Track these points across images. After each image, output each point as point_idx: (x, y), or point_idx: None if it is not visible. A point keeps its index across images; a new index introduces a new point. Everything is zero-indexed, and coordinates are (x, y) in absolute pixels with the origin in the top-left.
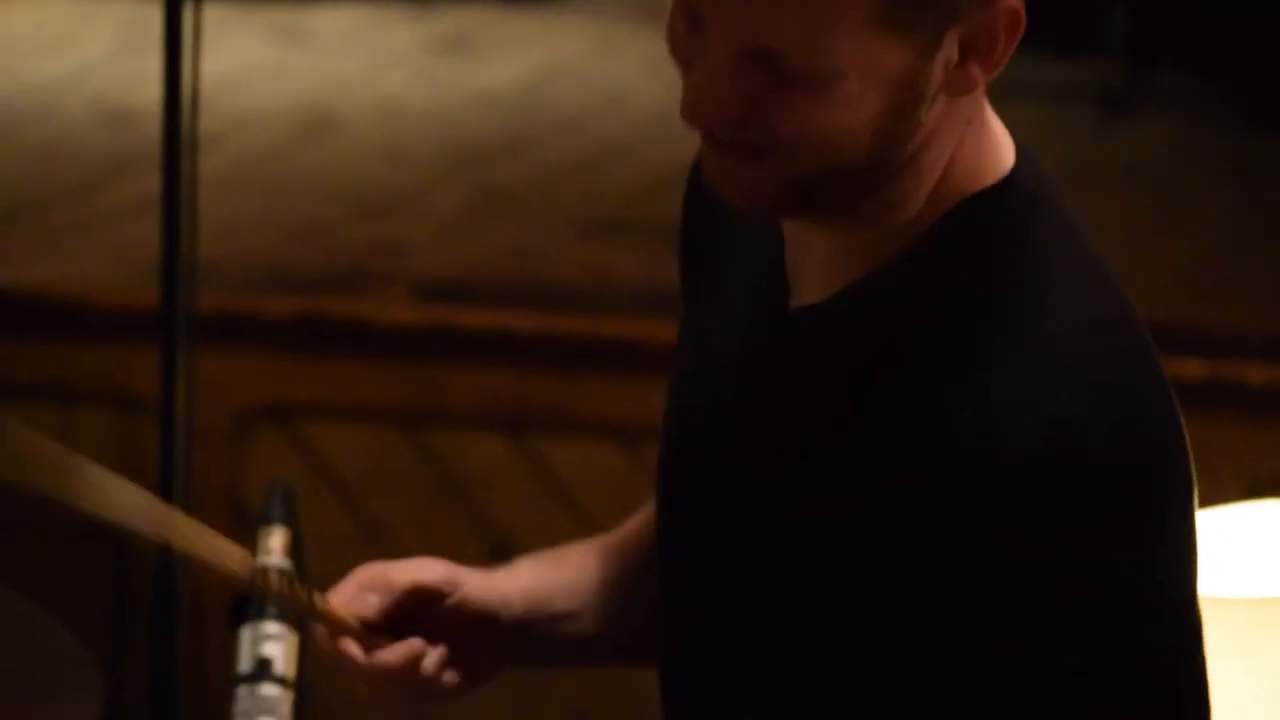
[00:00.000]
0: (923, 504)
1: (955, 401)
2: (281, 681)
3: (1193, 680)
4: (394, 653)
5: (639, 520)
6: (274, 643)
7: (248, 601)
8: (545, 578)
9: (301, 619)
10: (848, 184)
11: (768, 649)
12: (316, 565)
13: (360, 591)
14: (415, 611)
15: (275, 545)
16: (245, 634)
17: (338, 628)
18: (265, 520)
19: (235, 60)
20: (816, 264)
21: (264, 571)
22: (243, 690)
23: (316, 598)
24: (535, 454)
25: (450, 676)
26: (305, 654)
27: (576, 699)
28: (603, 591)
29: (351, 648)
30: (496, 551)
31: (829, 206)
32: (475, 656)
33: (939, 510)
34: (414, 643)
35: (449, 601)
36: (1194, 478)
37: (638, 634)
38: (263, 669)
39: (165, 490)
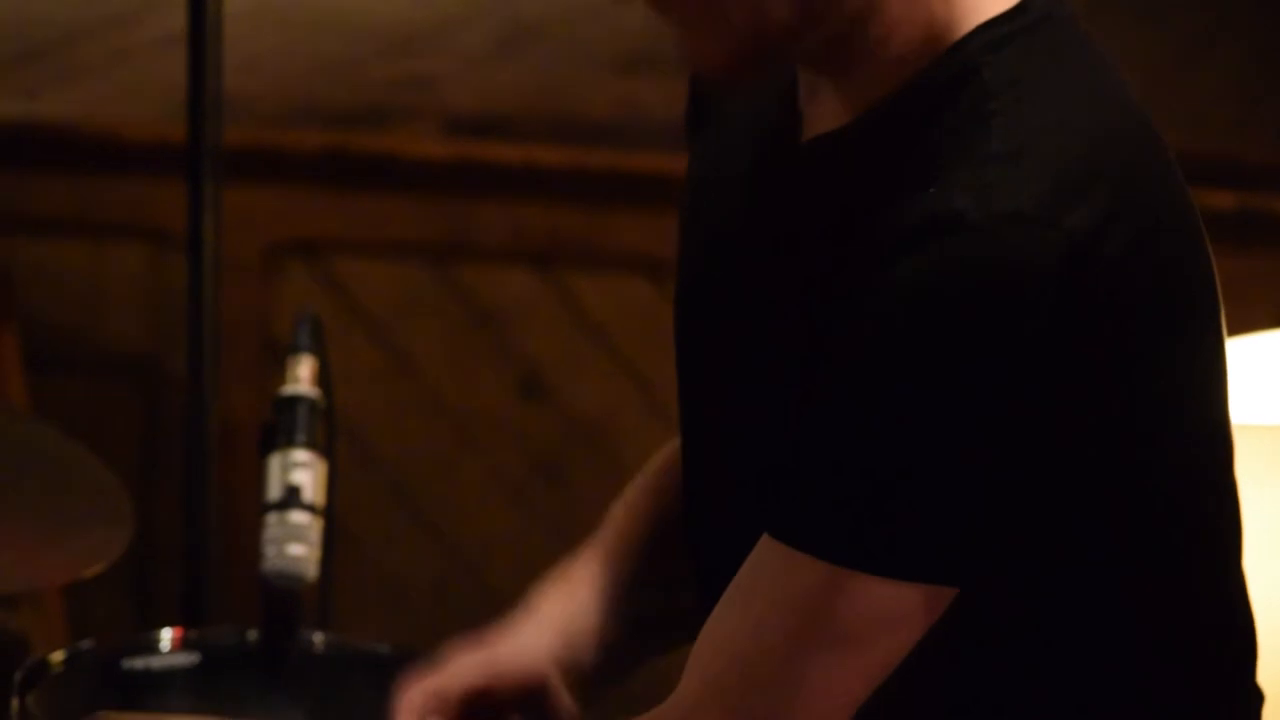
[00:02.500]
0: (930, 314)
1: (968, 217)
2: (310, 508)
3: (1219, 504)
4: None
5: (636, 504)
6: (303, 470)
7: (276, 429)
8: (571, 624)
9: (330, 447)
10: (793, 38)
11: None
12: (347, 399)
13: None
14: (476, 707)
15: (304, 374)
16: (274, 462)
17: None
18: (293, 349)
19: None
20: (828, 99)
21: None
22: (272, 517)
23: None
24: (564, 287)
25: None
26: (334, 481)
27: None
28: (625, 597)
29: None
30: (525, 384)
31: (788, 62)
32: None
33: (949, 320)
34: None
35: (500, 696)
36: (1219, 301)
37: (670, 607)
38: (292, 496)
39: (194, 324)
